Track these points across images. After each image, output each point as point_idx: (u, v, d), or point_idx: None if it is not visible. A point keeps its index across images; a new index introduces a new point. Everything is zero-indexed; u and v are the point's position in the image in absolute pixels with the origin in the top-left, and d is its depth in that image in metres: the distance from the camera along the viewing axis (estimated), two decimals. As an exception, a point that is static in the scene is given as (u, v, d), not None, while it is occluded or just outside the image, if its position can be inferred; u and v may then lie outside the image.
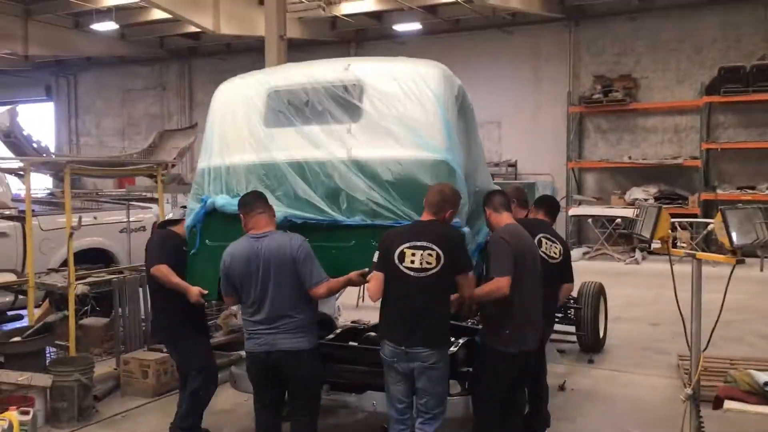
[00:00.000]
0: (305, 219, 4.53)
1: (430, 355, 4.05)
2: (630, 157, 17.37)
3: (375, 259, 4.12)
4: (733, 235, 3.04)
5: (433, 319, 4.08)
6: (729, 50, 16.66)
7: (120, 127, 25.02)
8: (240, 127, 4.89)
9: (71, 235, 6.08)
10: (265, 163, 4.72)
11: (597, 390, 6.28)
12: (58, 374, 5.45)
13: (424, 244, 4.05)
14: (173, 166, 7.91)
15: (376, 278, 4.11)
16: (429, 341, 4.05)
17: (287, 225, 4.55)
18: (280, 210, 4.57)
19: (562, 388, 6.27)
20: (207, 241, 4.83)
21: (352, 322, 7.21)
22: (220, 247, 4.53)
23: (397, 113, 4.53)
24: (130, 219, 8.15)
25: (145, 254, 5.08)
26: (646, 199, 15.46)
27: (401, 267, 4.04)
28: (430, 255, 4.04)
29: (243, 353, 7.08)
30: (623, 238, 15.78)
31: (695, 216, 15.44)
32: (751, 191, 15.42)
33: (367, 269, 4.25)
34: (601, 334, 7.64)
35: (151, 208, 9.44)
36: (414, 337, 4.04)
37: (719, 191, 15.67)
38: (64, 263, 6.67)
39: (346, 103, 4.64)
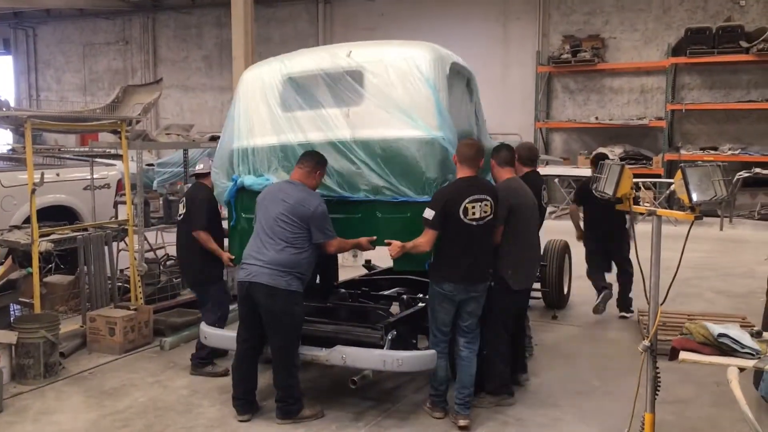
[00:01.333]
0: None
1: (483, 287, 4.77)
2: (597, 118, 17.51)
3: (429, 217, 4.53)
4: (693, 193, 3.11)
5: (487, 258, 4.79)
6: (696, 11, 16.77)
7: (82, 82, 24.40)
8: (262, 112, 5.32)
9: (33, 191, 5.97)
10: (282, 145, 5.17)
11: (560, 345, 6.44)
12: (24, 331, 5.41)
13: (481, 196, 4.63)
14: (138, 122, 7.76)
15: (430, 235, 4.57)
16: (484, 276, 4.78)
17: None
18: None
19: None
20: (242, 214, 5.35)
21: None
22: (252, 218, 5.04)
23: (393, 96, 4.90)
24: (94, 176, 8.01)
25: (188, 206, 5.66)
26: (612, 159, 15.63)
27: (465, 220, 4.57)
28: (486, 205, 4.64)
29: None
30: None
31: (659, 176, 15.69)
32: (713, 152, 15.69)
33: (375, 237, 4.91)
34: (566, 291, 7.81)
35: (115, 165, 9.29)
36: (474, 275, 4.69)
37: (683, 152, 15.91)
38: (27, 220, 6.57)
39: (349, 88, 5.03)
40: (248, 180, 5.26)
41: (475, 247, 4.65)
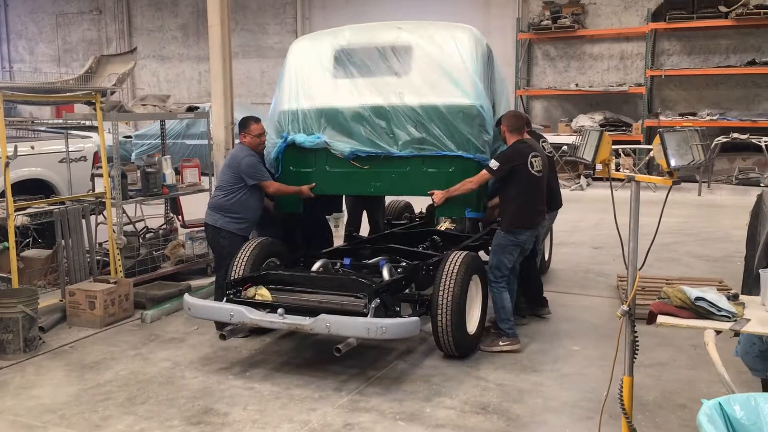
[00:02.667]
0: (368, 153, 5.84)
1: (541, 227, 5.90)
2: (577, 85, 17.49)
3: (494, 167, 5.37)
4: (671, 158, 3.12)
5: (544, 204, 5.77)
6: (676, -24, 16.71)
7: (55, 53, 23.95)
8: (313, 79, 6.01)
9: (7, 164, 5.87)
10: (334, 108, 5.88)
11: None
12: (2, 306, 5.35)
13: (537, 153, 5.51)
14: (113, 93, 7.62)
15: (482, 177, 5.49)
16: (544, 218, 5.89)
17: (353, 157, 5.88)
18: (349, 144, 5.86)
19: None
20: (290, 167, 6.15)
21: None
22: (297, 172, 6.09)
23: (438, 69, 5.70)
24: (70, 149, 7.89)
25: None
26: (591, 126, 15.67)
27: (533, 171, 5.42)
28: (540, 159, 5.51)
29: (191, 283, 7.16)
30: (569, 165, 16.06)
31: (639, 143, 15.77)
32: (692, 117, 15.78)
33: (314, 184, 6.00)
34: (546, 257, 7.87)
35: (91, 137, 9.14)
36: (541, 218, 5.72)
37: (662, 118, 15.98)
38: (2, 194, 6.47)
39: (398, 60, 5.81)
40: (299, 137, 6.00)
41: (541, 193, 5.59)
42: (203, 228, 6.33)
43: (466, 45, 5.77)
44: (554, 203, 6.40)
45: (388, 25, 6.16)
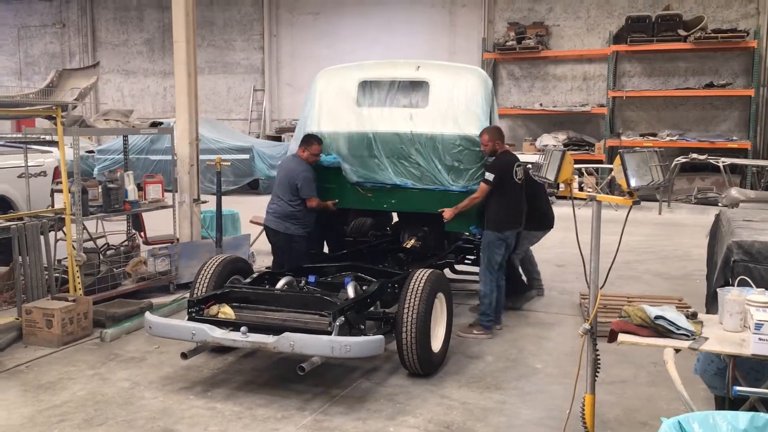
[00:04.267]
0: (372, 184, 6.58)
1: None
2: (541, 105, 17.77)
3: (490, 179, 6.06)
4: (631, 178, 3.17)
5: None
6: (636, 0, 17.14)
7: (17, 66, 23.55)
8: (337, 105, 6.62)
9: (-37, 179, 5.73)
10: (356, 132, 6.50)
11: (504, 329, 6.52)
12: (-46, 325, 5.20)
13: (519, 163, 6.24)
14: (74, 107, 7.50)
15: (485, 190, 6.12)
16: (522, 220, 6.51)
17: (357, 185, 6.60)
18: (356, 173, 6.56)
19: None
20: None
21: (266, 267, 7.28)
22: (321, 186, 6.62)
23: (451, 104, 6.31)
24: (30, 164, 7.73)
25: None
26: (555, 146, 15.89)
27: (516, 179, 6.17)
28: (522, 169, 6.22)
29: (153, 301, 7.04)
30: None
31: (601, 162, 16.04)
32: (653, 138, 16.13)
33: (337, 200, 6.71)
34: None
35: (51, 152, 8.98)
36: (521, 220, 6.42)
37: (623, 138, 16.29)
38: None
39: (416, 94, 6.45)
40: (325, 158, 6.62)
41: (520, 200, 6.31)
42: (167, 244, 6.53)
43: (476, 86, 6.41)
44: (543, 222, 7.11)
45: (407, 63, 6.89)
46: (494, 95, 6.87)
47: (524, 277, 7.49)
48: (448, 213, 6.28)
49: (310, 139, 6.48)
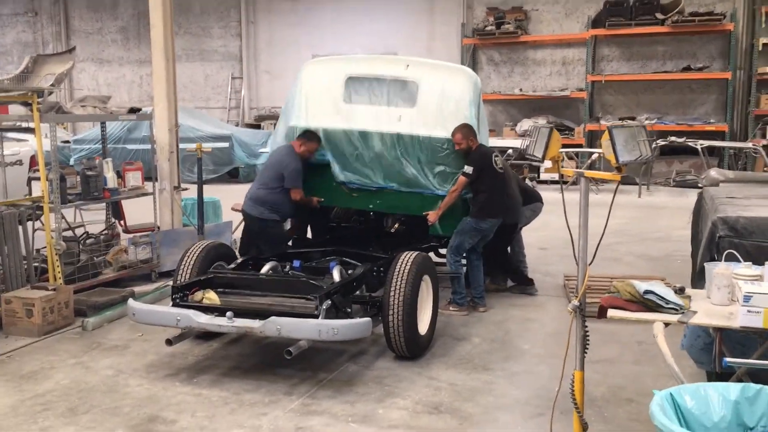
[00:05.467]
0: (357, 185, 6.53)
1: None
2: (521, 90, 17.79)
3: (469, 171, 6.10)
4: (619, 153, 3.16)
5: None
6: (614, -16, 17.16)
7: (-12, 55, 23.09)
8: (323, 100, 6.47)
9: (-63, 167, 5.60)
10: (343, 129, 6.36)
11: (490, 311, 6.53)
12: (-69, 316, 5.09)
13: (497, 153, 6.46)
14: (50, 93, 7.36)
15: (462, 183, 6.17)
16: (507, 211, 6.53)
17: (343, 184, 6.54)
18: (343, 173, 6.50)
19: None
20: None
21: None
22: (307, 182, 6.46)
23: (440, 105, 6.22)
24: (5, 152, 7.58)
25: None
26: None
27: (497, 168, 6.27)
28: (500, 158, 6.44)
29: (135, 289, 6.95)
30: (515, 168, 16.26)
31: (581, 146, 16.11)
32: (631, 122, 16.19)
33: (322, 199, 6.66)
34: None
35: (27, 140, 8.83)
36: (504, 211, 6.41)
37: (603, 122, 16.37)
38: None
39: (405, 93, 6.32)
40: None
41: (503, 189, 6.38)
42: (148, 232, 6.30)
43: (466, 87, 6.36)
44: (526, 198, 7.21)
45: (396, 59, 7.10)
46: (480, 100, 6.76)
47: (527, 271, 7.46)
48: (432, 216, 6.30)
49: (311, 136, 6.39)
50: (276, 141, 6.86)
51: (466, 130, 6.13)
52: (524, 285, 7.22)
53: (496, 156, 6.31)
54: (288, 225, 7.15)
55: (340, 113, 6.40)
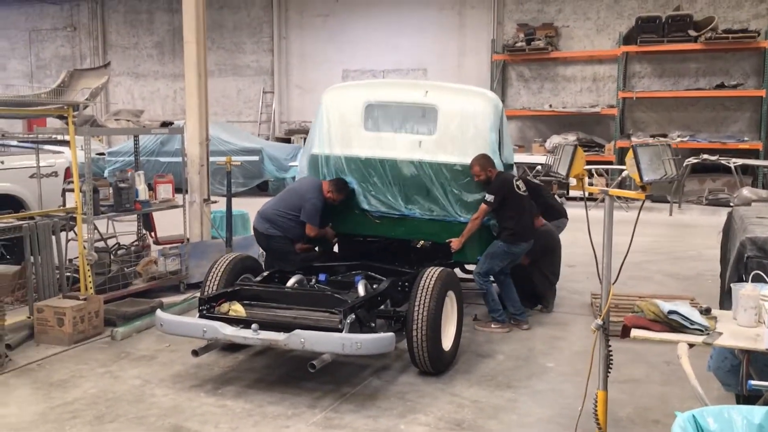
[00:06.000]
0: (381, 213, 6.51)
1: None
2: (551, 106, 17.71)
3: (490, 200, 6.07)
4: (644, 172, 3.15)
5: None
6: (647, 0, 17.06)
7: (28, 69, 23.70)
8: (343, 128, 6.53)
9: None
10: (365, 157, 6.41)
11: (515, 329, 6.49)
12: (-34, 323, 5.22)
13: (517, 177, 6.59)
14: (86, 107, 7.54)
15: (484, 211, 6.14)
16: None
17: (370, 215, 6.53)
18: (366, 202, 6.49)
19: (475, 318, 6.64)
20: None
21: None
22: (328, 209, 6.47)
23: (460, 132, 6.23)
24: (42, 164, 7.77)
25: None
26: (565, 139, 15.82)
27: (520, 192, 6.27)
28: (521, 182, 6.47)
29: (163, 300, 7.05)
30: (543, 184, 16.17)
31: (611, 163, 15.96)
32: (663, 139, 16.01)
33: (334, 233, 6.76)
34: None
35: (63, 152, 9.03)
36: (532, 233, 6.44)
37: (634, 139, 16.19)
38: (-31, 209, 6.34)
39: (425, 119, 6.34)
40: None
41: (530, 212, 6.39)
42: (178, 244, 6.43)
43: (486, 111, 6.33)
44: (551, 214, 7.33)
45: (414, 85, 7.10)
46: (504, 119, 6.76)
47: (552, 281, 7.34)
48: (455, 243, 6.27)
49: (342, 188, 6.40)
50: (301, 167, 6.95)
51: (483, 161, 6.09)
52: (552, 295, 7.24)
53: (518, 180, 6.31)
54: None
55: (360, 141, 6.43)
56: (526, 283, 6.89)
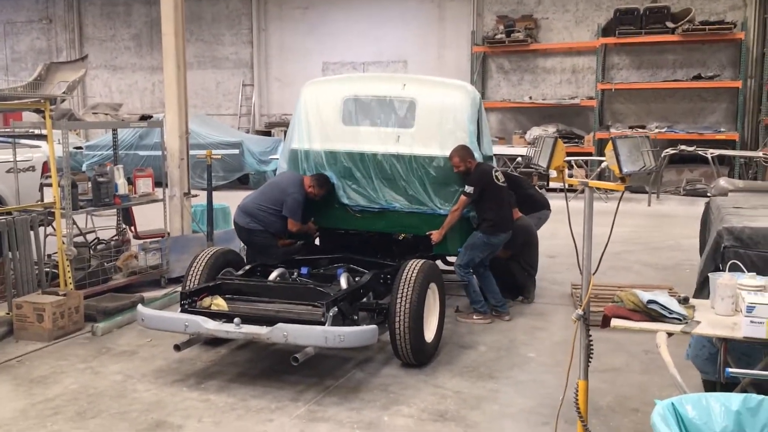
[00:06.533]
0: (361, 207, 6.50)
1: None
2: (530, 98, 17.81)
3: (470, 191, 6.08)
4: (623, 163, 3.18)
5: None
6: (625, -8, 17.20)
7: (3, 62, 23.35)
8: (322, 123, 6.54)
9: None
10: (344, 152, 6.43)
11: (496, 320, 6.53)
12: (-56, 320, 5.16)
13: (496, 168, 6.46)
14: (63, 100, 7.45)
15: (463, 202, 6.16)
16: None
17: (346, 206, 6.52)
18: (345, 196, 6.48)
19: (457, 309, 6.69)
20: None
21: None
22: (309, 204, 6.46)
23: (438, 124, 6.26)
24: (19, 158, 7.67)
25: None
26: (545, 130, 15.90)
27: (499, 183, 6.26)
28: (500, 173, 6.40)
29: (144, 295, 7.01)
30: (524, 175, 16.25)
31: (590, 154, 16.09)
32: (641, 130, 16.17)
33: (316, 227, 6.79)
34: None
35: (40, 146, 8.92)
36: (511, 224, 6.47)
37: (613, 130, 16.34)
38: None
39: (403, 113, 6.35)
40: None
41: (509, 202, 6.44)
42: (158, 238, 6.24)
43: (464, 104, 6.32)
44: (533, 205, 7.38)
45: (393, 78, 7.07)
46: (482, 111, 6.75)
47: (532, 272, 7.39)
48: (436, 235, 6.28)
49: (323, 183, 6.41)
50: (281, 162, 6.96)
51: (463, 152, 6.10)
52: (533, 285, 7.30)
53: (497, 171, 6.31)
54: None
55: (340, 135, 6.45)
56: (506, 276, 6.94)
